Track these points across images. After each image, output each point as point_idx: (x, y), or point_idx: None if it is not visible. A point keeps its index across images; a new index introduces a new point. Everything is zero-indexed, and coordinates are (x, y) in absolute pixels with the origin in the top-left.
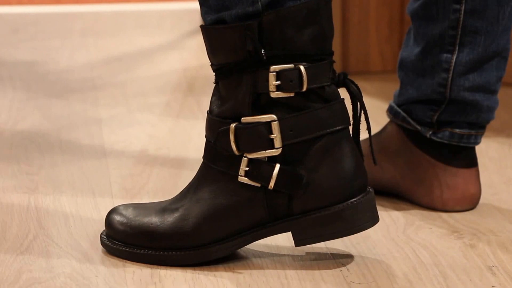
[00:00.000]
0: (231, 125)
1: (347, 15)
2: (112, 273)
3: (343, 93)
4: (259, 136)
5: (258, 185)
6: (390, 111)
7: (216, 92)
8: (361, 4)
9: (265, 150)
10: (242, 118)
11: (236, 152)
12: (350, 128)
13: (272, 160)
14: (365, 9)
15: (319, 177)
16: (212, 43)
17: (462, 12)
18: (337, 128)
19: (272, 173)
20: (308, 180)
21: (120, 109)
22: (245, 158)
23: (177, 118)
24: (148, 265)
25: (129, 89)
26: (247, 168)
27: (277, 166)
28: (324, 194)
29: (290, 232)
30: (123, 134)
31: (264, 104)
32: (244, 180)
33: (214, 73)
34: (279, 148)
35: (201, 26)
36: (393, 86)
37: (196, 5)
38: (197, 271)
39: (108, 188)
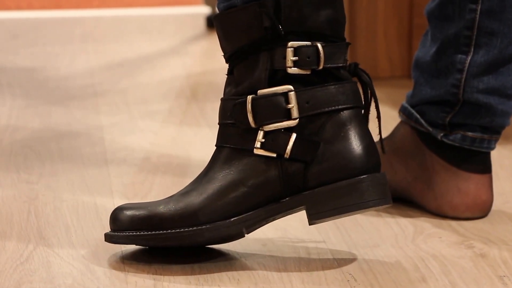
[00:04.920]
0: (248, 96)
1: (355, 19)
2: (114, 284)
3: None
4: (276, 106)
5: (274, 155)
6: (404, 111)
7: (230, 82)
8: (369, 7)
9: (282, 120)
10: (259, 91)
11: (252, 124)
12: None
13: (289, 131)
14: (373, 12)
15: (335, 149)
16: (225, 29)
17: (478, 12)
18: (350, 105)
19: (289, 141)
20: (323, 152)
21: (121, 116)
22: (261, 131)
23: (180, 126)
24: (151, 275)
25: (131, 96)
26: (263, 140)
27: (294, 134)
28: (339, 167)
29: (292, 237)
30: (125, 142)
31: (280, 80)
32: (260, 152)
33: (228, 63)
34: (296, 118)
35: (214, 16)
36: (402, 92)
37: (200, 10)
38: (201, 282)
39: (110, 197)
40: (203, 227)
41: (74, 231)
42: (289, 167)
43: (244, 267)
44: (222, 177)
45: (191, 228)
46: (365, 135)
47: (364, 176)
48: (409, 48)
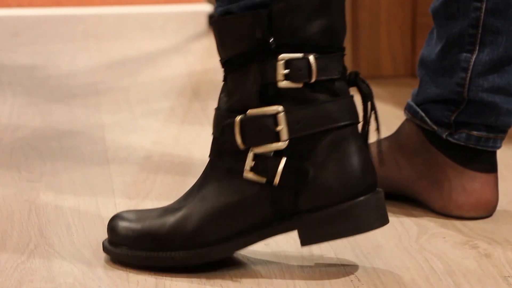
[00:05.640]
0: (236, 117)
1: (358, 17)
2: (116, 284)
3: (355, 95)
4: (264, 128)
5: (263, 180)
6: (409, 110)
7: (224, 89)
8: (372, 6)
9: (271, 143)
10: (248, 111)
11: (241, 146)
12: (360, 126)
13: (279, 154)
14: (376, 11)
15: (326, 173)
16: (221, 35)
17: (483, 11)
18: (345, 123)
19: (278, 167)
20: (315, 176)
21: (123, 115)
22: (251, 153)
23: (181, 124)
24: (153, 275)
25: (133, 94)
26: (253, 163)
27: (283, 160)
28: (331, 191)
29: (296, 239)
30: (126, 141)
31: (272, 96)
32: (249, 175)
33: (223, 70)
34: (286, 141)
35: (212, 20)
36: (406, 91)
37: (202, 8)
38: (203, 281)
39: (111, 196)
40: (194, 251)
41: (75, 230)
42: (279, 193)
43: (246, 267)
44: (214, 198)
45: (181, 251)
46: (360, 154)
47: (357, 200)
48: (413, 46)
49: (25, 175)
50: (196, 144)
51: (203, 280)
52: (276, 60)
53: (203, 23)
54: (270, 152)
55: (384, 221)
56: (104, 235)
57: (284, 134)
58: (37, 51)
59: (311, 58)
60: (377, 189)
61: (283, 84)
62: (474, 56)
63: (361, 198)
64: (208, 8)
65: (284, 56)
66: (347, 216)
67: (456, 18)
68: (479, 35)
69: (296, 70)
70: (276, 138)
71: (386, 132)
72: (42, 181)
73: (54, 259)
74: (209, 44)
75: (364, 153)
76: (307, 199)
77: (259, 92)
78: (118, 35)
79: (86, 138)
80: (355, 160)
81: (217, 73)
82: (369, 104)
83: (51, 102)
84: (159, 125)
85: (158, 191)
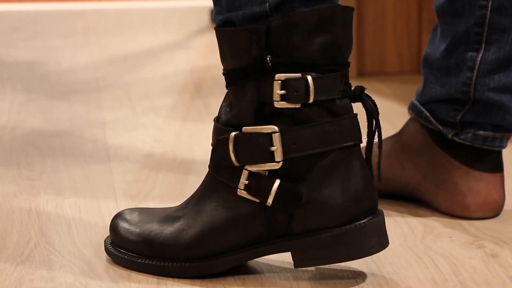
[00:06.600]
0: (231, 133)
1: (363, 13)
2: (117, 283)
3: (360, 108)
4: (259, 148)
5: (257, 200)
6: (413, 109)
7: (226, 98)
8: (377, 1)
9: (265, 162)
10: (244, 128)
11: (235, 163)
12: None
13: (273, 174)
14: (381, 6)
15: (322, 196)
16: (222, 46)
17: (489, 9)
18: (346, 144)
19: (271, 188)
20: (308, 199)
21: (124, 112)
22: (245, 171)
23: (183, 121)
24: (154, 275)
25: (134, 91)
26: (247, 182)
27: (277, 181)
28: (326, 214)
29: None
30: (128, 138)
31: (269, 114)
32: (243, 194)
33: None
34: (280, 161)
35: (214, 28)
36: (411, 88)
37: (204, 3)
38: (205, 282)
39: (112, 194)
40: (187, 264)
41: (76, 229)
42: (273, 212)
43: (249, 268)
44: (210, 212)
45: (175, 264)
46: (359, 176)
47: (351, 225)
48: (418, 42)
49: (25, 173)
50: (198, 142)
51: (206, 281)
52: (273, 79)
53: (206, 18)
54: (265, 171)
55: (382, 245)
56: (105, 234)
57: (279, 155)
58: (38, 46)
59: (309, 78)
60: (377, 211)
61: (279, 104)
62: (480, 55)
63: (357, 222)
64: (210, 3)
65: (281, 76)
66: (340, 241)
67: (461, 16)
68: (485, 34)
69: (292, 91)
70: (271, 158)
71: (390, 129)
72: (42, 179)
73: (55, 259)
74: (212, 39)
75: (364, 176)
76: (300, 222)
77: (256, 110)
78: (119, 31)
79: (86, 135)
80: (353, 183)
81: (220, 69)
82: (374, 121)
83: (51, 98)
84: (161, 122)
85: (160, 190)
